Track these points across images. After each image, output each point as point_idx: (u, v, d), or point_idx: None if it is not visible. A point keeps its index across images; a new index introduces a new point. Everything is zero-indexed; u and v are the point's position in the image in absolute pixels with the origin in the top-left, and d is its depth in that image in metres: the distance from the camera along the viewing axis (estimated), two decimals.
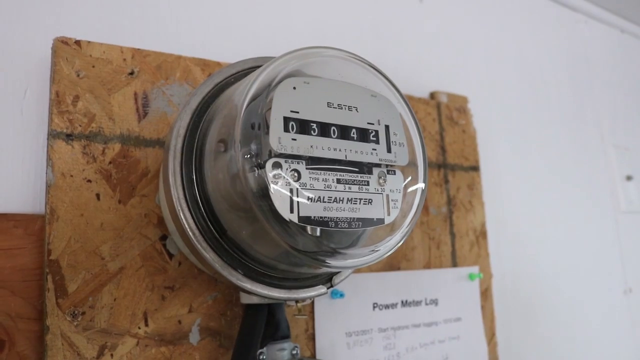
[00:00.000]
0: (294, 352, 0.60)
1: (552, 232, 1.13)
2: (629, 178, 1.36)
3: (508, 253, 1.01)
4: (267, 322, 0.58)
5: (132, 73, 0.61)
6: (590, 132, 1.32)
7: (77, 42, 0.58)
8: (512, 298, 0.99)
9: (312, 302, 0.68)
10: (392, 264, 0.77)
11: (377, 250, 0.48)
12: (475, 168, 0.92)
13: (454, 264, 0.85)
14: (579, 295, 1.15)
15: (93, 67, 0.58)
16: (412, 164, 0.52)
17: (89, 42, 0.58)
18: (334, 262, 0.46)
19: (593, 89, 1.38)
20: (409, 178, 0.52)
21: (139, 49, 0.61)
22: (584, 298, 1.16)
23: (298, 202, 0.43)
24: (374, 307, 0.73)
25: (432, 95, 0.94)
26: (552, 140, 1.20)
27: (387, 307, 0.74)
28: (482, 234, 0.91)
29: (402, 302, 0.76)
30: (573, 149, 1.25)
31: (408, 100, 0.78)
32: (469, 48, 1.08)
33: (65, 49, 0.57)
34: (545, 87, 1.24)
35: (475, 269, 0.87)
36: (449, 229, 0.86)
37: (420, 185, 0.52)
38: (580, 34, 1.40)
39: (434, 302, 0.80)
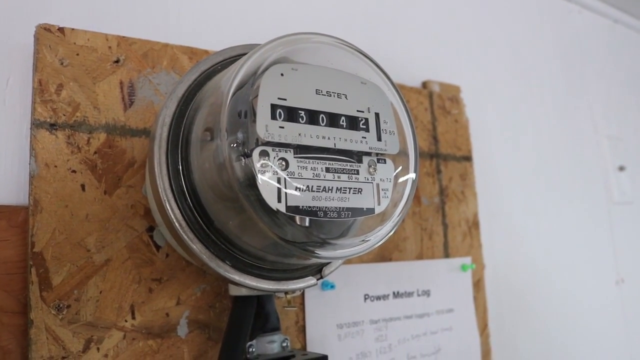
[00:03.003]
0: (284, 344, 0.59)
1: (544, 223, 1.12)
2: (621, 169, 1.36)
3: (501, 244, 1.01)
4: (257, 314, 0.57)
5: (117, 61, 0.59)
6: (583, 122, 1.32)
7: (61, 30, 0.56)
8: (504, 289, 0.99)
9: (303, 294, 0.67)
10: (383, 254, 0.76)
11: (367, 241, 0.47)
12: (468, 158, 0.92)
13: (447, 255, 0.84)
14: (571, 285, 1.15)
15: (77, 55, 0.57)
16: (403, 152, 0.51)
17: (72, 29, 0.57)
18: (323, 253, 0.45)
19: (586, 79, 1.37)
20: (400, 167, 0.51)
21: (124, 37, 0.60)
22: (576, 288, 1.16)
23: (286, 191, 0.43)
24: (365, 299, 0.73)
25: (425, 85, 0.93)
26: (545, 130, 1.20)
27: (378, 298, 0.74)
28: (474, 225, 0.90)
29: (394, 293, 0.76)
30: (566, 140, 1.25)
31: (400, 89, 0.77)
32: (461, 37, 1.07)
33: (49, 37, 0.55)
34: (538, 77, 1.23)
35: (467, 260, 0.86)
36: (442, 220, 0.85)
37: (411, 174, 0.51)
38: (573, 24, 1.40)
39: (426, 293, 0.79)
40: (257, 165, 0.42)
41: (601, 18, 1.50)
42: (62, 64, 0.56)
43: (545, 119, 1.21)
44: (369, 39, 0.90)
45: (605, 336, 1.21)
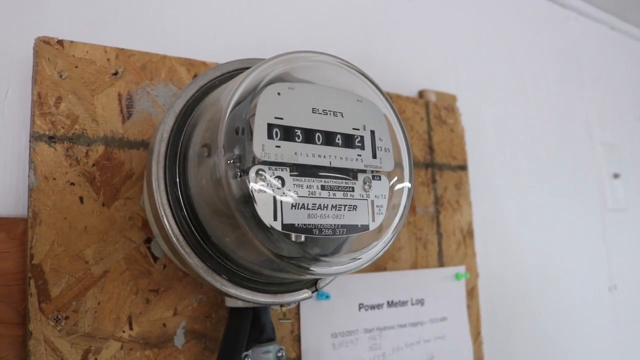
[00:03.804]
0: (279, 354, 0.60)
1: (539, 231, 1.13)
2: (616, 176, 1.37)
3: (495, 252, 1.02)
4: (252, 325, 0.58)
5: (116, 73, 0.60)
6: (578, 129, 1.33)
7: (60, 42, 0.57)
8: (498, 297, 1.00)
9: (298, 304, 0.68)
10: (378, 264, 0.77)
11: (359, 259, 0.48)
12: (463, 167, 0.93)
13: (441, 264, 0.85)
14: (564, 293, 1.16)
15: (76, 67, 0.57)
16: (398, 166, 0.52)
17: (71, 41, 0.57)
18: (317, 270, 0.46)
19: (582, 86, 1.38)
20: (395, 179, 0.52)
21: (123, 49, 0.61)
22: (569, 296, 1.17)
23: (282, 209, 0.43)
24: (359, 308, 0.73)
25: (421, 94, 0.93)
26: (540, 138, 1.21)
27: (373, 307, 0.75)
28: (469, 234, 0.91)
29: (388, 302, 0.77)
30: (561, 147, 1.26)
31: (396, 99, 0.77)
32: (458, 46, 1.08)
33: (47, 49, 0.56)
34: (534, 85, 1.24)
35: (461, 269, 0.87)
36: (436, 229, 0.86)
37: (406, 184, 0.52)
38: (570, 31, 1.40)
39: (420, 302, 0.80)
40: (254, 183, 0.42)
41: (598, 25, 1.51)
42: (61, 76, 0.56)
43: (540, 126, 1.22)
44: (367, 49, 0.91)
45: (599, 342, 1.23)
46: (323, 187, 0.46)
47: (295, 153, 0.45)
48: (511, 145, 1.12)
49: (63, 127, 0.56)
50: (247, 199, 0.42)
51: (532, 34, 1.28)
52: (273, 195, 0.43)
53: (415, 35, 1.00)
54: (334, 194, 0.47)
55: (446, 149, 0.90)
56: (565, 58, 1.36)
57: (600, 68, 1.46)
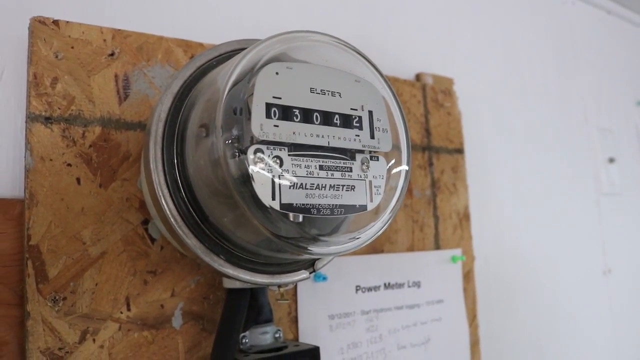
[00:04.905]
0: (277, 335, 0.60)
1: (534, 214, 1.14)
2: (611, 160, 1.37)
3: (491, 235, 1.02)
4: (250, 306, 0.58)
5: (112, 54, 0.59)
6: (574, 114, 1.33)
7: (55, 22, 0.56)
8: (494, 280, 1.01)
9: (295, 286, 0.68)
10: (375, 246, 0.77)
11: (357, 238, 0.48)
12: (460, 151, 0.93)
13: (437, 247, 0.86)
14: (559, 276, 1.17)
15: (72, 48, 0.57)
16: (396, 148, 0.52)
17: (67, 22, 0.57)
18: (315, 249, 0.46)
19: (578, 70, 1.38)
20: (392, 161, 0.52)
21: (119, 30, 0.60)
22: (564, 279, 1.18)
23: (280, 188, 0.43)
24: (356, 290, 0.74)
25: (418, 77, 0.93)
26: (536, 122, 1.21)
27: (369, 289, 0.75)
28: (465, 217, 0.91)
29: (385, 284, 0.77)
30: (557, 131, 1.26)
31: (393, 82, 0.77)
32: (455, 30, 1.07)
33: (43, 29, 0.55)
34: (530, 69, 1.24)
35: (458, 252, 0.88)
36: (433, 212, 0.86)
37: (404, 167, 0.52)
38: (566, 15, 1.40)
39: (417, 284, 0.81)
40: (252, 163, 0.42)
41: (594, 9, 1.51)
42: (56, 57, 0.56)
43: (536, 110, 1.22)
44: (363, 31, 0.90)
45: (593, 326, 1.24)
46: (321, 167, 0.46)
47: (294, 133, 0.45)
48: (507, 129, 1.13)
49: (59, 108, 0.55)
50: (246, 179, 0.42)
51: (529, 18, 1.28)
52: (271, 175, 0.43)
53: (412, 18, 0.99)
54: (332, 174, 0.47)
55: (443, 132, 0.90)
56: (562, 42, 1.36)
57: (596, 52, 1.46)
